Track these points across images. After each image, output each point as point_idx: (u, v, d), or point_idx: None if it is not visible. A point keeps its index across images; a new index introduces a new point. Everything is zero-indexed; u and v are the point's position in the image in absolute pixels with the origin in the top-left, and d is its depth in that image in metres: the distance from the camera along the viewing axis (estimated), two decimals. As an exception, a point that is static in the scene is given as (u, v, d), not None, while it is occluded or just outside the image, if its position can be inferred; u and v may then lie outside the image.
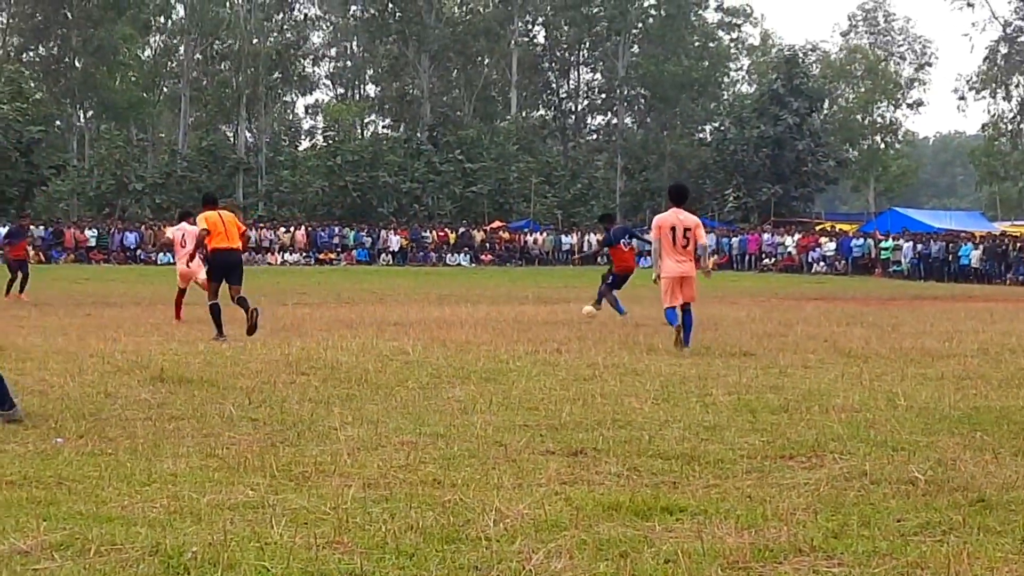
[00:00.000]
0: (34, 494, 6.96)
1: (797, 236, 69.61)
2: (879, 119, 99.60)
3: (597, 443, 9.01)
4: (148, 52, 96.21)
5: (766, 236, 70.46)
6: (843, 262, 65.37)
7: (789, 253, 68.28)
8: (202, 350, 15.98)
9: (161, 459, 8.11)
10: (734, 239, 71.59)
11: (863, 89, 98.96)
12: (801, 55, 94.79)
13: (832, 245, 67.32)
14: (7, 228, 38.32)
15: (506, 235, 75.84)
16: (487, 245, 74.74)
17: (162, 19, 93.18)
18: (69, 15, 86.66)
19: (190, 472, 7.72)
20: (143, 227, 70.72)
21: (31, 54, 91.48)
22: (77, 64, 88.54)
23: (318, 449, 8.64)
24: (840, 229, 74.00)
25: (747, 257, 69.78)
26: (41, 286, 36.40)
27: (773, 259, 68.50)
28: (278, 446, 8.76)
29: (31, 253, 33.80)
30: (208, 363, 14.32)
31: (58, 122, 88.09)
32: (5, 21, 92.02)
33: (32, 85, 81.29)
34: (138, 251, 68.16)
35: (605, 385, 12.65)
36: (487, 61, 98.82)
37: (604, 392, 12.02)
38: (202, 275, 20.55)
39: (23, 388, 11.71)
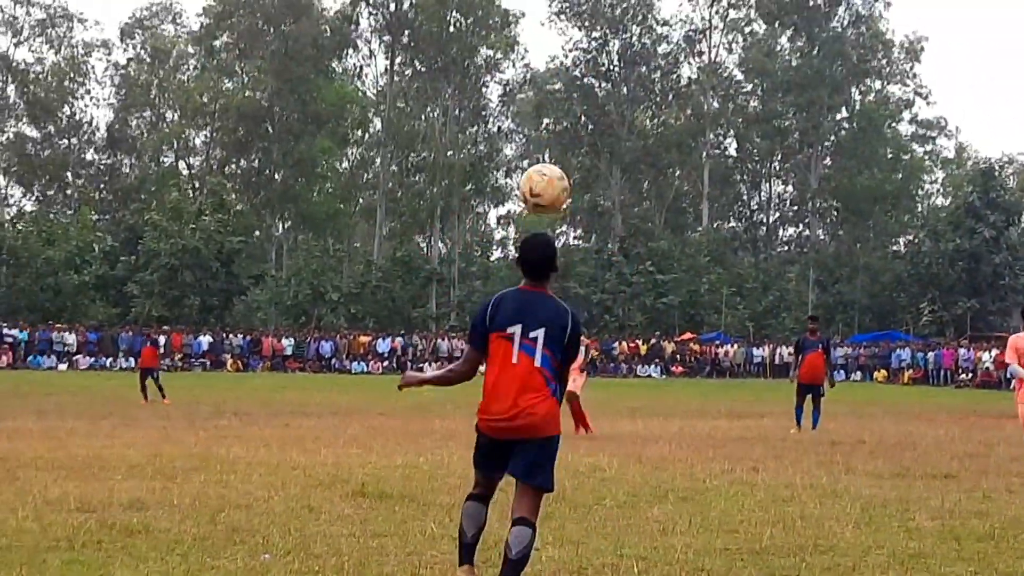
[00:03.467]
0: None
1: (995, 351, 67.93)
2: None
3: (800, 570, 8.89)
4: (345, 164, 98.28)
5: (962, 351, 68.94)
6: (1045, 379, 63.55)
7: (987, 369, 66.62)
8: (400, 464, 16.13)
9: (367, 578, 8.21)
10: (929, 353, 70.23)
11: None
12: (997, 167, 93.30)
13: (1032, 361, 65.52)
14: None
15: (697, 347, 75.51)
16: (677, 357, 74.47)
17: (360, 132, 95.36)
18: (270, 129, 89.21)
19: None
20: (338, 336, 71.97)
21: (233, 166, 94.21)
22: (277, 176, 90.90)
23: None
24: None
25: (942, 372, 68.33)
26: (240, 395, 37.26)
27: (970, 374, 66.93)
28: (480, 566, 8.80)
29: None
30: (407, 477, 14.46)
31: (257, 233, 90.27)
32: (209, 135, 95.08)
33: (233, 197, 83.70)
34: (333, 359, 69.31)
35: (804, 507, 12.47)
36: (678, 173, 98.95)
37: (804, 515, 11.84)
38: None
39: (229, 502, 11.97)
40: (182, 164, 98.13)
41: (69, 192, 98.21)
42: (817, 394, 24.68)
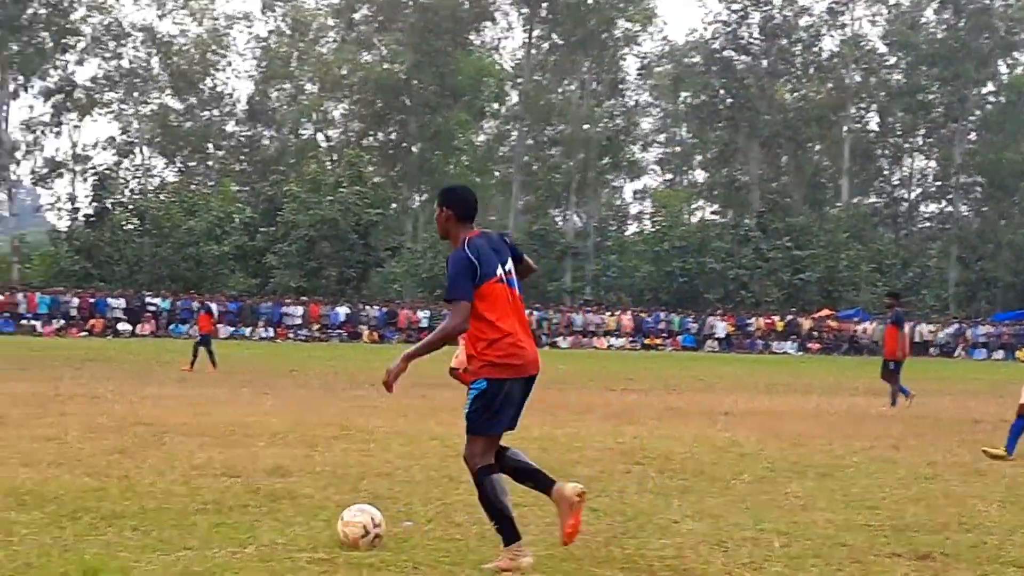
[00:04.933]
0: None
1: None
2: None
3: (944, 547, 8.78)
4: (482, 137, 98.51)
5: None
6: None
7: None
8: (536, 436, 16.17)
9: (508, 547, 8.24)
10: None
11: None
12: None
13: None
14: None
15: (835, 324, 74.69)
16: (815, 333, 73.78)
17: (496, 105, 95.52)
18: (408, 102, 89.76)
19: (538, 562, 7.82)
20: (472, 308, 72.18)
21: (370, 139, 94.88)
22: (414, 149, 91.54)
23: (660, 543, 8.66)
24: None
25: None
26: (377, 366, 37.50)
27: (1117, 352, 65.69)
28: (620, 538, 8.82)
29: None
30: (544, 449, 14.47)
31: (394, 205, 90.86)
32: (347, 107, 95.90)
33: (371, 169, 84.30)
34: (467, 332, 69.64)
35: (948, 485, 12.31)
36: (818, 147, 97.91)
37: (947, 493, 11.70)
38: None
39: (370, 470, 12.10)
40: (320, 136, 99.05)
41: (210, 163, 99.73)
42: (891, 368, 24.80)
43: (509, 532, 7.87)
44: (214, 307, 56.49)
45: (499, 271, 7.98)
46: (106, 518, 8.75)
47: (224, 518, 9.06)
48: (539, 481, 8.23)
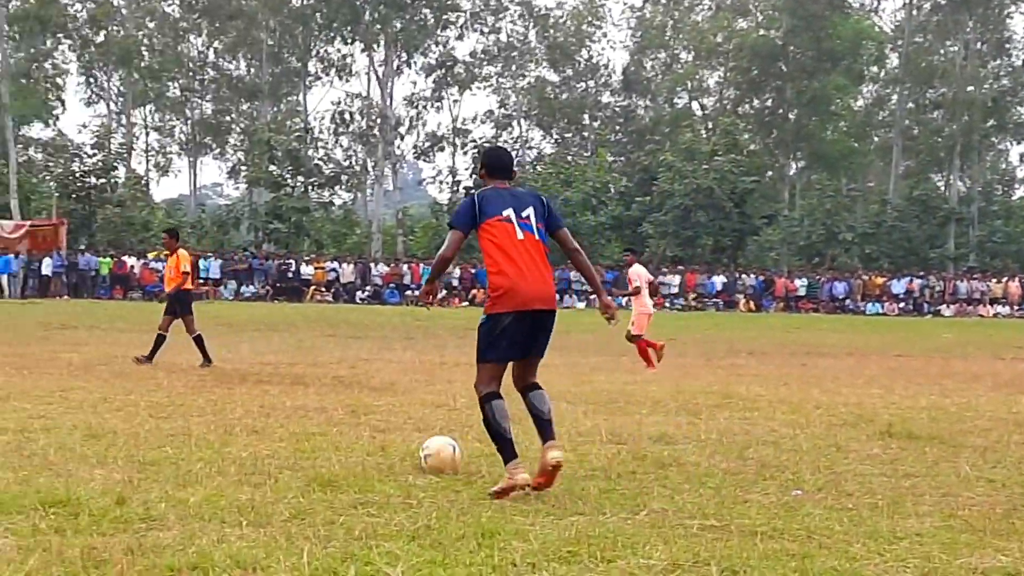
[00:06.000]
0: (786, 547, 7.07)
1: None
2: None
3: None
4: (860, 102, 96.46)
5: None
6: None
7: None
8: (924, 405, 15.74)
9: (903, 517, 8.03)
10: None
11: None
12: None
13: None
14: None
15: None
16: None
17: (875, 69, 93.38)
18: (784, 67, 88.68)
19: (934, 532, 7.59)
20: (852, 276, 71.06)
21: (746, 106, 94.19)
22: (790, 115, 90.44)
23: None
24: None
25: None
26: (754, 334, 37.38)
27: None
28: (1020, 509, 8.48)
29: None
30: (933, 419, 14.07)
31: (770, 172, 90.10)
32: (722, 75, 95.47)
33: (746, 137, 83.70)
34: (847, 300, 68.53)
35: None
36: None
37: None
38: None
39: (754, 438, 12.01)
40: (695, 105, 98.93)
41: (586, 134, 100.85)
42: None
43: (508, 452, 8.81)
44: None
45: (507, 212, 9.00)
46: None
47: (613, 484, 9.13)
48: (540, 433, 9.02)
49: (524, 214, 9.04)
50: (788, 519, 7.87)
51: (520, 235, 8.95)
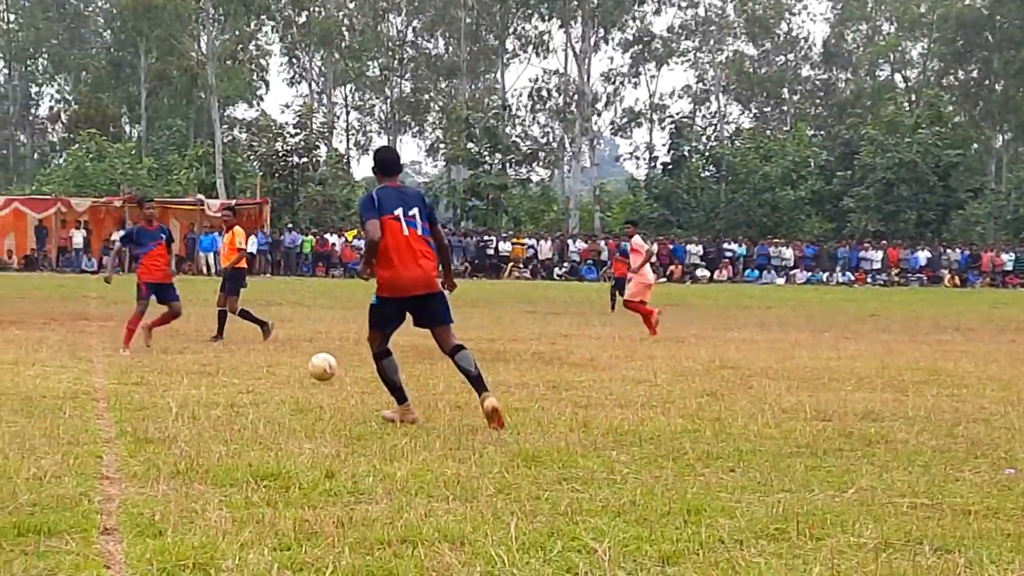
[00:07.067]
0: (1001, 526, 6.90)
1: None
2: None
3: None
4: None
5: None
6: None
7: None
8: None
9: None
10: None
11: None
12: None
13: None
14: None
15: None
16: None
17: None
18: (991, 38, 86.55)
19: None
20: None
21: (950, 78, 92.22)
22: (997, 87, 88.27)
23: None
24: None
25: None
26: (960, 310, 36.57)
27: None
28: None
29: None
30: None
31: (976, 145, 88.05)
32: (926, 46, 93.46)
33: (951, 109, 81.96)
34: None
35: None
36: None
37: None
38: None
39: (964, 415, 11.73)
40: (898, 77, 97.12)
41: (785, 108, 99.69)
42: None
43: (399, 396, 10.78)
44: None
45: (397, 211, 10.60)
46: (702, 459, 8.87)
47: (819, 461, 8.99)
48: (474, 387, 10.67)
49: (411, 213, 10.66)
50: (1002, 498, 7.67)
51: (406, 231, 10.59)
